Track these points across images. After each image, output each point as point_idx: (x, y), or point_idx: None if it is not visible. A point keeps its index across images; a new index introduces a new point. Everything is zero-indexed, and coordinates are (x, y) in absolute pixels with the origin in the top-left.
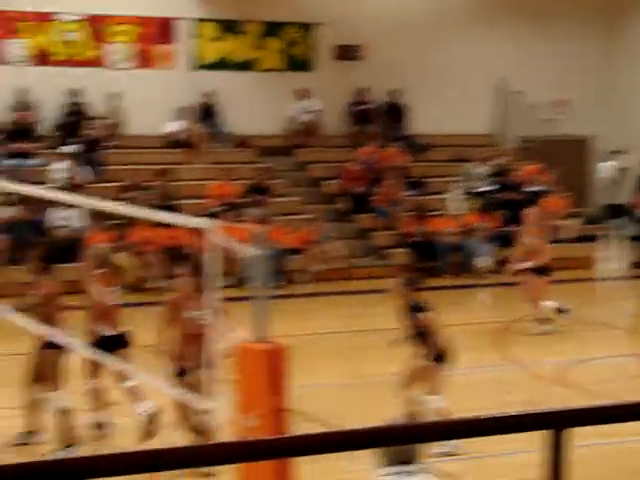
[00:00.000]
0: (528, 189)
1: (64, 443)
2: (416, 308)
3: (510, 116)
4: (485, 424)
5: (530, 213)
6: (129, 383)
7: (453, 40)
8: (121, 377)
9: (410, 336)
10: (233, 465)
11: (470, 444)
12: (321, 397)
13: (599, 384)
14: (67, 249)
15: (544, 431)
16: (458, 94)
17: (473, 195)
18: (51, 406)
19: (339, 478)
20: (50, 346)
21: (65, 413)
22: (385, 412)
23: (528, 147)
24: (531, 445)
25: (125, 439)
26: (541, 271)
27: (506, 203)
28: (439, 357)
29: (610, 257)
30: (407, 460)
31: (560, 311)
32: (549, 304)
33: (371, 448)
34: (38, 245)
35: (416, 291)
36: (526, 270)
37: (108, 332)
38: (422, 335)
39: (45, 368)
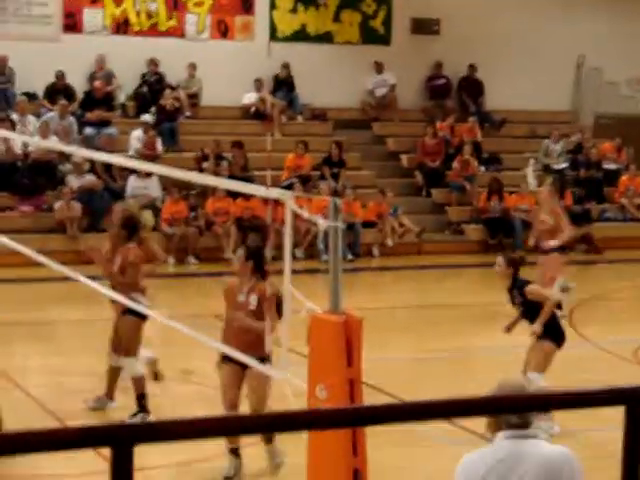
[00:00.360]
0: (604, 167)
1: (138, 409)
2: (522, 285)
3: (588, 93)
4: (565, 399)
5: (542, 192)
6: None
7: (532, 15)
8: None
9: (521, 315)
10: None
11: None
12: (391, 371)
13: None
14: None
15: (623, 407)
16: (536, 70)
17: (549, 172)
18: (126, 372)
19: (396, 451)
20: (130, 313)
21: (140, 380)
22: (454, 387)
23: (605, 124)
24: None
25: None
26: (560, 250)
27: (582, 181)
28: (552, 334)
29: None
30: (522, 425)
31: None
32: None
33: (441, 418)
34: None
35: (518, 270)
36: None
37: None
38: (532, 312)
39: (124, 335)
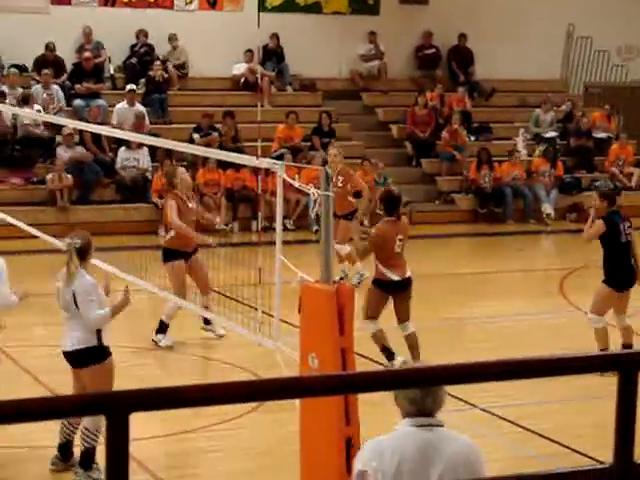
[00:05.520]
0: (594, 136)
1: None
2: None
3: (578, 62)
4: (559, 364)
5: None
6: None
7: None
8: None
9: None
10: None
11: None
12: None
13: None
14: (134, 189)
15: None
16: (525, 39)
17: (539, 141)
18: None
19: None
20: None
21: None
22: (447, 356)
23: (595, 93)
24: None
25: None
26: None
27: (572, 149)
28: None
29: None
30: (427, 412)
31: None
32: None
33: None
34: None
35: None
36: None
37: None
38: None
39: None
